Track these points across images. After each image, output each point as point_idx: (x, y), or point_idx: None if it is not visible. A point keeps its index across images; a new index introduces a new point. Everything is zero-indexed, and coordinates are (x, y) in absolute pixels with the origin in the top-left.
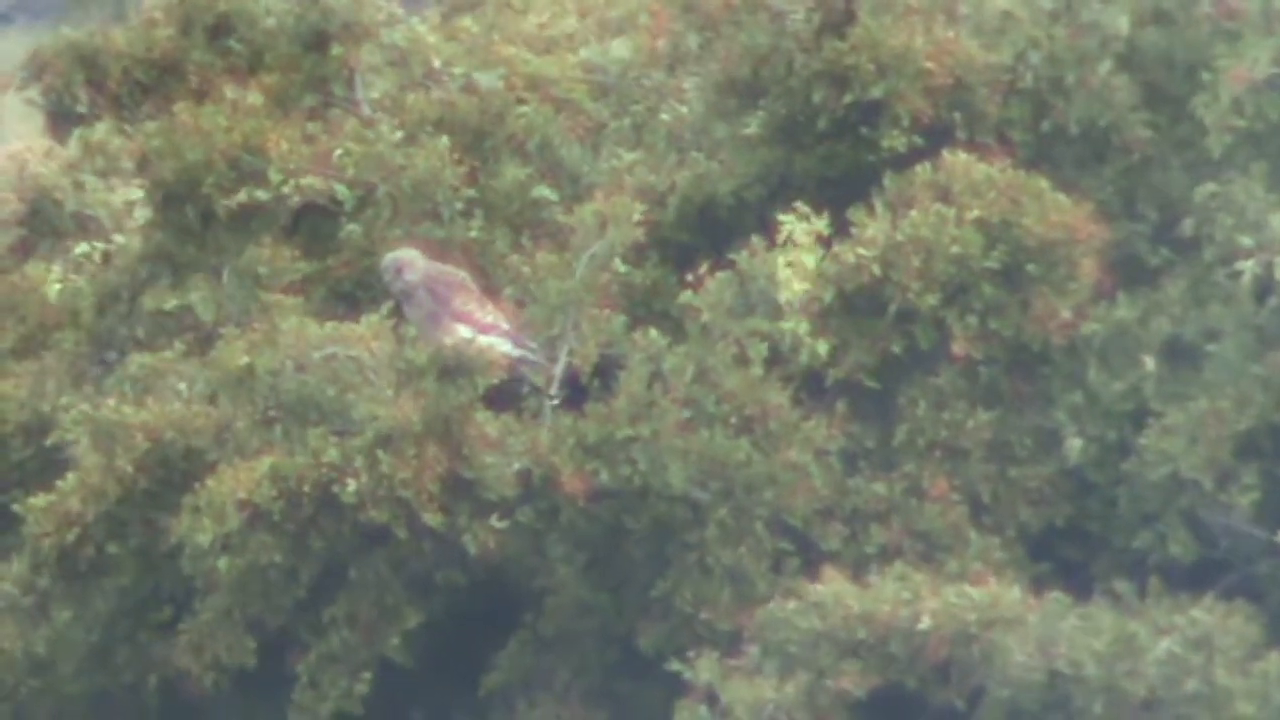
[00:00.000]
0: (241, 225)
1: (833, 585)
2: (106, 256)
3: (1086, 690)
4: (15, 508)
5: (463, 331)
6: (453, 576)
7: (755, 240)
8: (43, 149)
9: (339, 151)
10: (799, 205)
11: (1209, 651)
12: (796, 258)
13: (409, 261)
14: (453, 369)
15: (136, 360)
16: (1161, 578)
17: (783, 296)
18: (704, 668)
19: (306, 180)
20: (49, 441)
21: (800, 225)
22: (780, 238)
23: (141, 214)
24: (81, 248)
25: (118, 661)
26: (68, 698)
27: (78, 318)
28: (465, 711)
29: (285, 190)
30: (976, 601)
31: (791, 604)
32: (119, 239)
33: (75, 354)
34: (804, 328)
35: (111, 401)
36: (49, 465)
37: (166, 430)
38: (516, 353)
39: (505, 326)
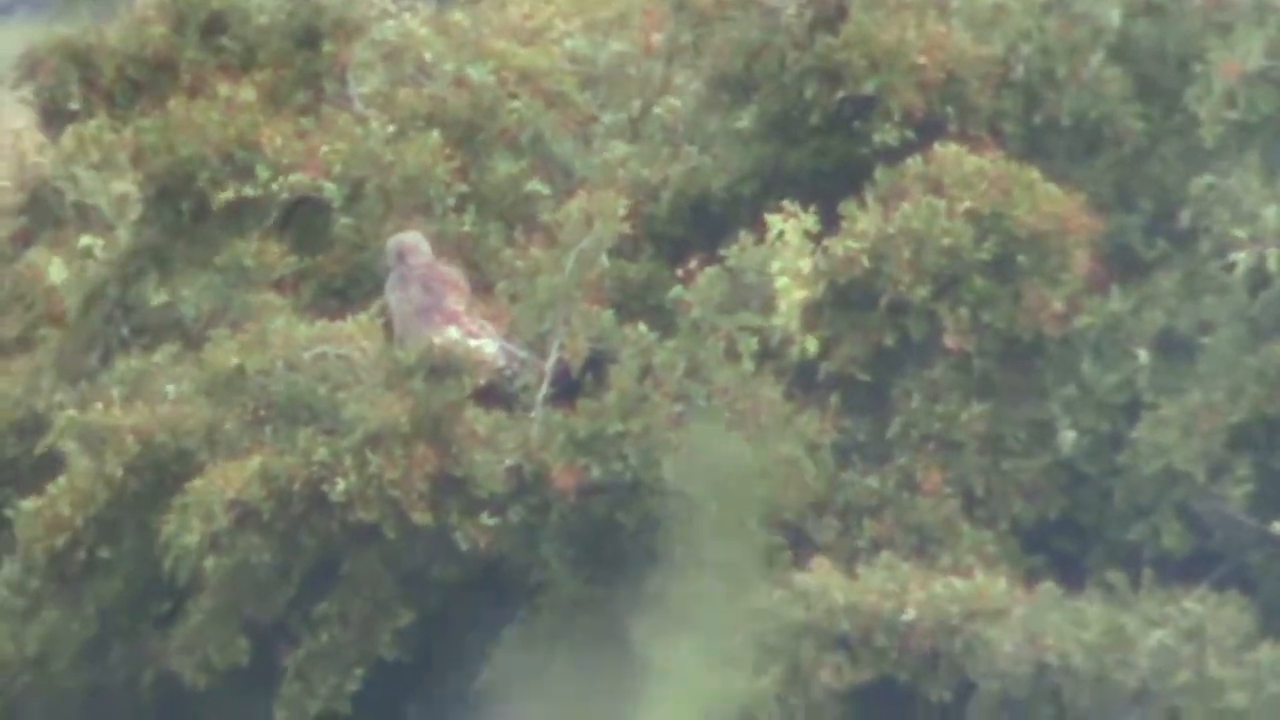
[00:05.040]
0: (233, 220)
1: (819, 576)
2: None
3: (1076, 681)
4: (7, 512)
5: (452, 332)
6: (447, 572)
7: (745, 235)
8: (37, 143)
9: (325, 149)
10: (786, 204)
11: (1201, 642)
12: (791, 262)
13: (413, 246)
14: (441, 368)
15: (125, 363)
16: (1155, 570)
17: (781, 304)
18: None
19: (295, 177)
20: (39, 448)
21: (790, 224)
22: (769, 237)
23: (134, 208)
24: (85, 240)
25: (112, 657)
26: (62, 693)
27: (63, 314)
28: (460, 707)
29: (274, 187)
30: (960, 593)
31: (777, 593)
32: (120, 231)
33: (61, 350)
34: (794, 323)
35: (100, 405)
36: (43, 464)
37: (157, 432)
38: (501, 363)
39: (492, 333)
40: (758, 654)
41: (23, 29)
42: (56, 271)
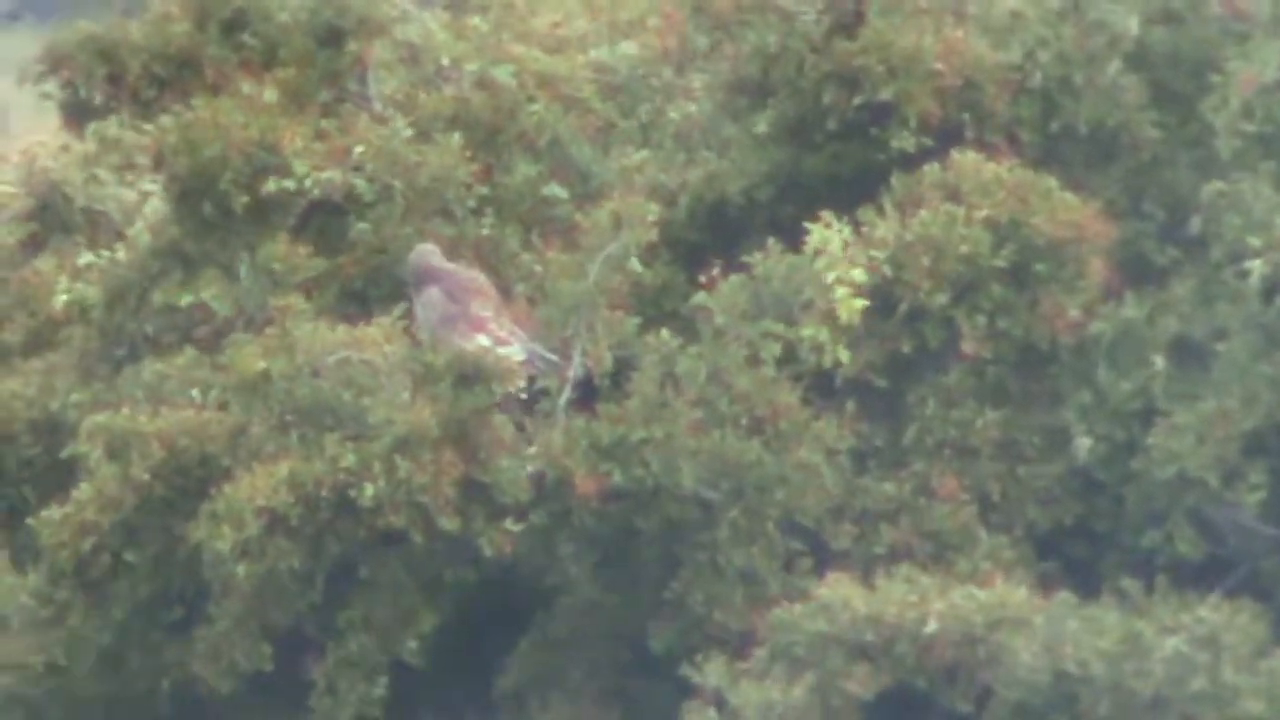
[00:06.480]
0: (257, 221)
1: (839, 588)
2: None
3: (1093, 689)
4: (29, 521)
5: (480, 339)
6: (463, 575)
7: (772, 243)
8: (56, 144)
9: (359, 148)
10: (825, 215)
11: (1216, 650)
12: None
13: (426, 253)
14: (470, 375)
15: (149, 366)
16: (1169, 576)
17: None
18: (712, 671)
19: (328, 174)
20: (64, 454)
21: (833, 234)
22: (808, 246)
23: (157, 208)
24: (86, 257)
25: (131, 665)
26: (81, 700)
27: (88, 314)
28: (478, 712)
29: (307, 183)
30: (983, 602)
31: (799, 606)
32: (131, 235)
33: (85, 350)
34: (824, 334)
35: (125, 410)
36: (60, 465)
37: (181, 437)
38: (531, 368)
39: (520, 339)
40: (786, 665)
41: (29, 35)
42: (60, 299)
